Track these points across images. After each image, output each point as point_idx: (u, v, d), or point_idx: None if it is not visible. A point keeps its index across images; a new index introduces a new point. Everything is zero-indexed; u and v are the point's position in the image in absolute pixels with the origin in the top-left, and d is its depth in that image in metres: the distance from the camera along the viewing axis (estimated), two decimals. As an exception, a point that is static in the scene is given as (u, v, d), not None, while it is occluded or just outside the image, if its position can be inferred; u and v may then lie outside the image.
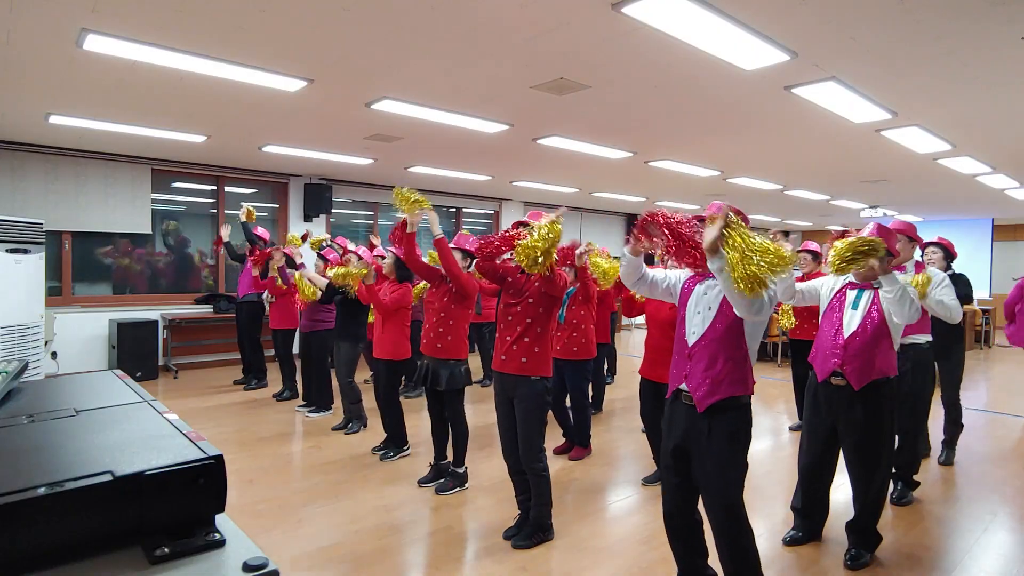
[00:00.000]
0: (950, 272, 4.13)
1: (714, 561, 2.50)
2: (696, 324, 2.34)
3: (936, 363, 4.32)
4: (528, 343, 3.03)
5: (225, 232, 6.69)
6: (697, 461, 2.33)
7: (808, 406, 3.08)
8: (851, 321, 2.87)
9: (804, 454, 3.12)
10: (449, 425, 3.87)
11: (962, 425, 4.55)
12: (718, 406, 2.26)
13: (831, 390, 2.91)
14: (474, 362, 5.88)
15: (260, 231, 6.60)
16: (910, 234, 3.62)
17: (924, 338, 3.71)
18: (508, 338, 3.07)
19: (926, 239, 4.28)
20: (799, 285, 3.07)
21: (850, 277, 2.94)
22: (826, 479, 3.12)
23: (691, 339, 2.35)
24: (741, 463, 2.31)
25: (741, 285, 1.99)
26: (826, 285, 3.06)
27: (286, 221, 8.54)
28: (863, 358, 2.82)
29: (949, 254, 4.18)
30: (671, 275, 2.54)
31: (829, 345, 2.90)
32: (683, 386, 2.36)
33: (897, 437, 3.72)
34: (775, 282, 2.13)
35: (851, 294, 2.92)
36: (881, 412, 2.86)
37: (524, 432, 3.07)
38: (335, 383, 5.40)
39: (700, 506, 2.44)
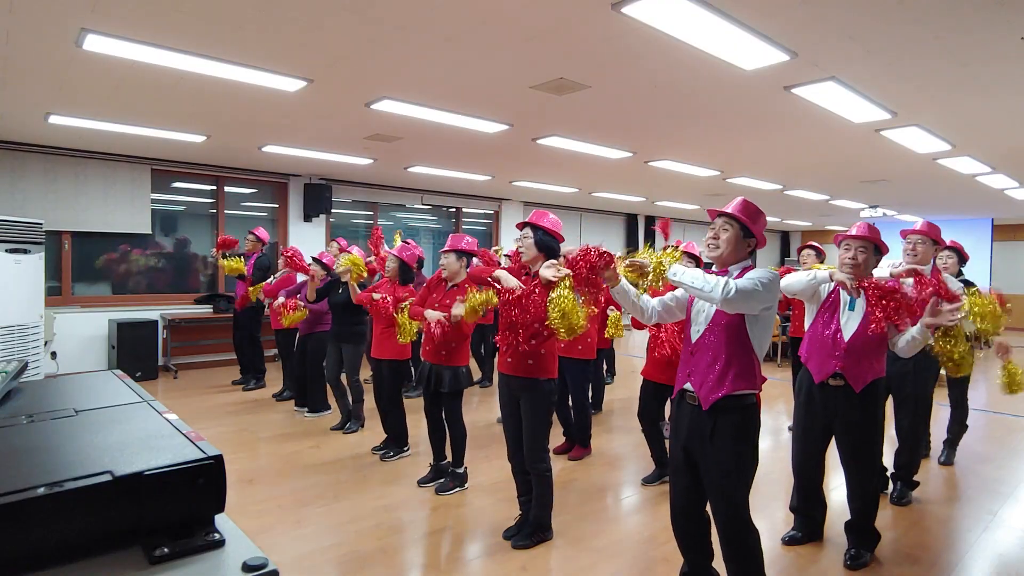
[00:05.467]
0: (961, 278, 4.11)
1: (718, 563, 2.51)
2: (700, 322, 2.34)
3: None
4: (535, 345, 3.00)
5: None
6: (702, 461, 2.32)
7: (801, 405, 3.05)
8: (850, 323, 2.84)
9: (798, 454, 3.12)
10: (447, 427, 3.87)
11: (967, 426, 4.54)
12: (722, 405, 2.25)
13: (828, 391, 2.90)
14: (472, 363, 5.87)
15: (261, 232, 6.58)
16: (933, 236, 3.52)
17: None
18: (513, 341, 3.05)
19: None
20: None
21: (840, 276, 2.93)
22: (820, 477, 3.12)
23: (694, 335, 2.36)
24: (747, 463, 2.30)
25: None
26: (819, 279, 2.97)
27: (286, 221, 8.54)
28: (864, 361, 2.81)
29: (962, 258, 4.17)
30: (677, 292, 2.52)
31: (828, 346, 2.88)
32: (688, 385, 2.35)
33: (898, 438, 3.73)
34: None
35: (845, 295, 2.90)
36: (876, 412, 2.87)
37: (529, 432, 3.06)
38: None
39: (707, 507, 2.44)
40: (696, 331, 2.35)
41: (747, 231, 2.31)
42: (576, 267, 2.42)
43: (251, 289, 5.89)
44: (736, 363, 2.24)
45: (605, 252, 2.38)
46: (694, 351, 2.34)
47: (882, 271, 3.07)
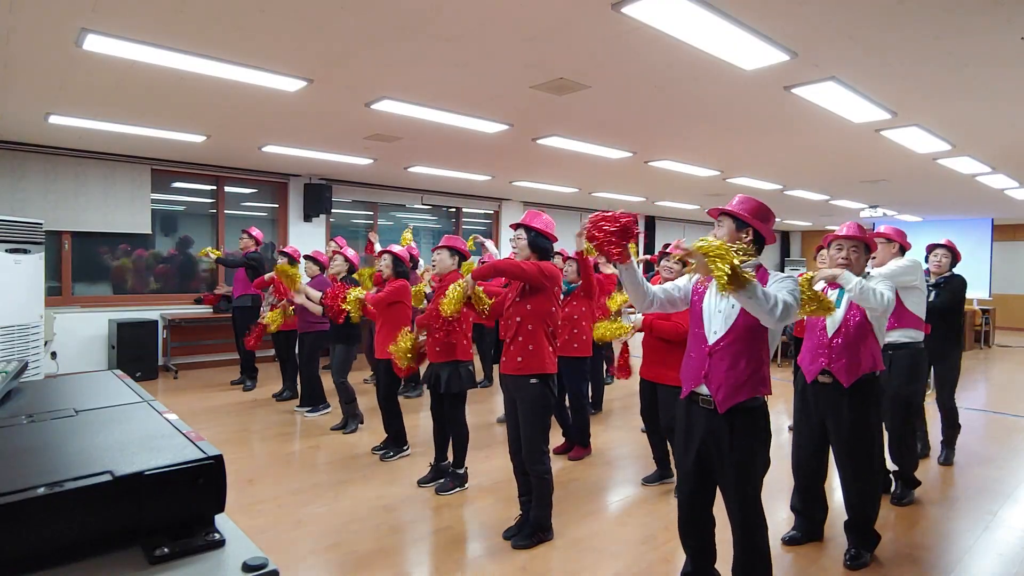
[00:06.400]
0: (949, 274, 4.15)
1: (721, 564, 2.51)
2: (718, 322, 2.28)
3: (932, 366, 4.32)
4: (522, 342, 3.02)
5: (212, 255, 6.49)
6: (719, 461, 2.30)
7: (798, 406, 3.11)
8: (834, 319, 2.90)
9: (796, 454, 3.14)
10: (447, 428, 3.87)
11: (959, 426, 4.55)
12: (738, 407, 2.25)
13: (819, 388, 2.93)
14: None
15: (255, 232, 6.58)
16: (892, 237, 3.70)
17: (912, 336, 3.70)
18: (506, 340, 3.09)
19: (929, 240, 4.32)
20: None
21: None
22: (820, 477, 3.13)
23: (712, 337, 2.29)
24: (761, 462, 2.31)
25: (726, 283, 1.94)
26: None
27: (286, 221, 8.54)
28: (849, 355, 2.84)
29: (954, 256, 4.21)
30: (679, 281, 2.48)
31: (816, 344, 2.94)
32: (701, 388, 2.31)
33: (888, 436, 3.73)
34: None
35: (832, 293, 2.95)
36: (868, 408, 2.88)
37: (525, 433, 3.06)
38: (327, 383, 5.42)
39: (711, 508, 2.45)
40: (713, 333, 2.29)
41: (740, 223, 2.29)
42: (593, 237, 2.22)
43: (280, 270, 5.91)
44: (755, 370, 2.24)
45: (624, 220, 2.16)
46: (712, 352, 2.28)
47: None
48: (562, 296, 4.39)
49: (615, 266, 2.25)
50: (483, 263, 3.38)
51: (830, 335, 2.88)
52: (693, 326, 2.39)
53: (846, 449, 2.91)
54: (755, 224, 2.29)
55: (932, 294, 4.12)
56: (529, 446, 3.06)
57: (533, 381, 3.02)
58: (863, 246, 2.91)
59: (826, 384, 2.90)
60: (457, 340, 3.69)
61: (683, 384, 2.41)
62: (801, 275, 2.70)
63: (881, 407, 3.00)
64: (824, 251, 5.06)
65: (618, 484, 4.06)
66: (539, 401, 3.04)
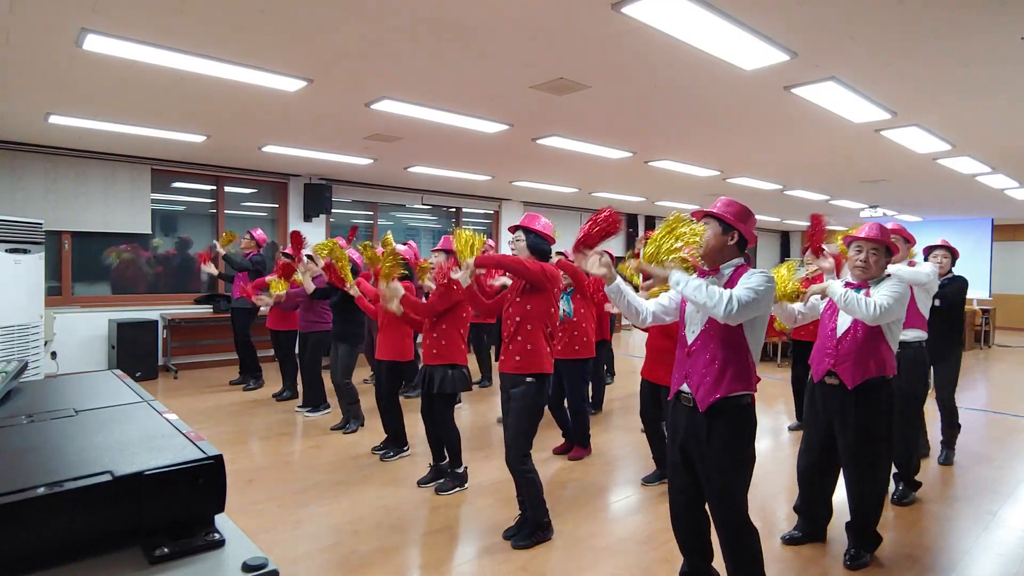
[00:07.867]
0: (950, 275, 4.15)
1: (718, 563, 2.51)
2: (695, 322, 2.33)
3: (932, 365, 4.32)
4: (521, 341, 3.03)
5: (218, 249, 6.47)
6: (700, 462, 2.32)
7: (806, 406, 3.10)
8: (844, 321, 2.88)
9: (803, 455, 3.14)
10: (437, 430, 3.87)
11: (959, 426, 4.55)
12: (719, 406, 2.25)
13: (825, 390, 2.93)
14: (472, 363, 5.86)
15: (258, 234, 6.58)
16: (903, 235, 3.77)
17: (914, 335, 3.70)
18: (505, 338, 3.10)
19: (928, 241, 4.32)
20: (797, 307, 2.97)
21: (847, 277, 2.96)
22: (827, 480, 3.12)
23: (690, 337, 2.35)
24: (744, 462, 2.30)
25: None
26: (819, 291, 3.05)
27: (286, 221, 8.54)
28: (855, 357, 2.82)
29: (953, 256, 4.22)
30: (671, 292, 2.49)
31: (824, 345, 2.93)
32: (684, 387, 2.35)
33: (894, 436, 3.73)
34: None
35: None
36: (877, 412, 2.85)
37: (511, 430, 3.06)
38: (327, 383, 5.43)
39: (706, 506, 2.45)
40: (692, 333, 2.34)
41: (726, 226, 2.31)
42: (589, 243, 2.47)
43: (272, 281, 5.79)
44: (732, 365, 2.24)
45: (608, 219, 2.44)
46: (690, 353, 2.33)
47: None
48: (564, 298, 4.40)
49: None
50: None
51: (838, 336, 2.86)
52: (680, 328, 2.44)
53: (850, 451, 2.90)
54: (739, 227, 2.31)
55: (936, 295, 4.12)
56: (512, 443, 3.05)
57: (529, 380, 3.02)
58: (884, 249, 2.86)
59: (832, 385, 2.89)
60: (452, 343, 3.68)
61: (671, 384, 2.45)
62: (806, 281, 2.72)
63: (893, 410, 2.97)
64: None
65: (618, 484, 4.06)
66: (530, 401, 3.03)
